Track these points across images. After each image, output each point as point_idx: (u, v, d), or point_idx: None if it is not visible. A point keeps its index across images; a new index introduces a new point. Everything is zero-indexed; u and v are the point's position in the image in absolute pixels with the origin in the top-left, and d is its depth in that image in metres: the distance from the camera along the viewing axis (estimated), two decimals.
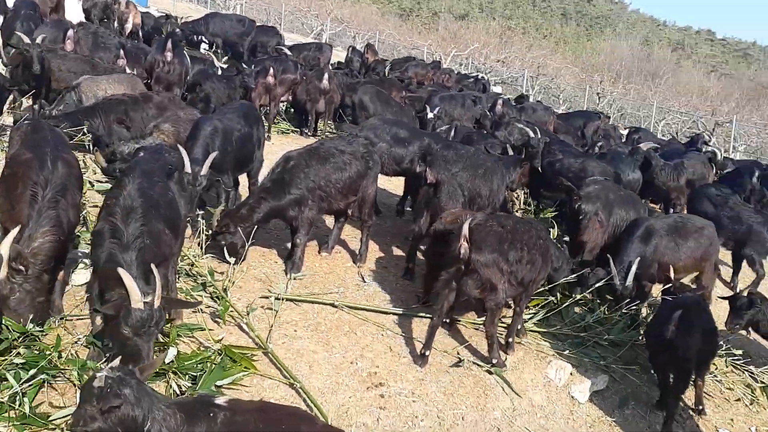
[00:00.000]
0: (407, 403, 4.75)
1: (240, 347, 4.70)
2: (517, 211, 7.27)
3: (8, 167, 4.64)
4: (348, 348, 5.18)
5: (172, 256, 4.60)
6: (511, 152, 8.46)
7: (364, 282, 6.32)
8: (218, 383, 4.20)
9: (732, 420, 5.78)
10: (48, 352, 4.00)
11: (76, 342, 4.32)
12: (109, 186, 6.36)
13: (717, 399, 5.97)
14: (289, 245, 6.31)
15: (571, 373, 5.60)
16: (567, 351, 5.83)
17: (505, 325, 5.78)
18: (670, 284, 6.13)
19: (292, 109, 12.02)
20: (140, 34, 14.50)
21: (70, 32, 10.21)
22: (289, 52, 14.19)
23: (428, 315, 5.63)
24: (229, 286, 5.46)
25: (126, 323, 3.63)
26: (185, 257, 5.66)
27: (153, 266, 3.81)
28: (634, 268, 6.29)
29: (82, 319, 4.64)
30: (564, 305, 6.19)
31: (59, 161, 4.50)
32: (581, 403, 5.44)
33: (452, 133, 9.30)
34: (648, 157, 10.08)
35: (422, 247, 6.61)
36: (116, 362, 2.95)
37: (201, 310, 5.07)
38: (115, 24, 13.78)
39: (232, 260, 5.63)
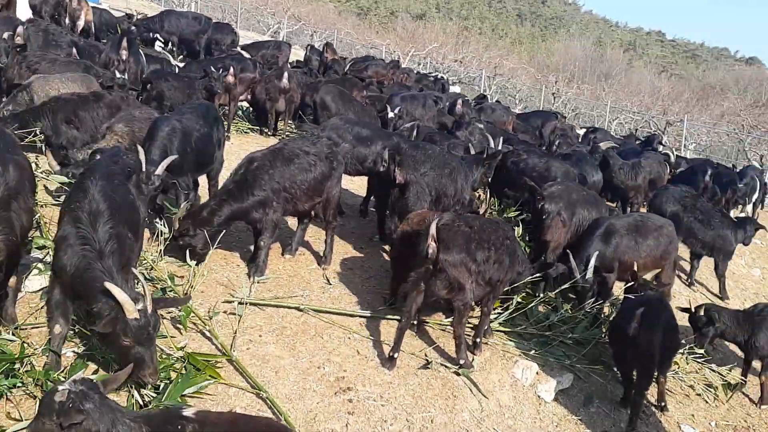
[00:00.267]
0: (376, 407, 4.69)
1: (204, 354, 4.57)
2: (486, 212, 7.26)
3: None
4: (314, 352, 5.08)
5: (132, 261, 4.44)
6: (473, 152, 8.51)
7: (330, 284, 6.22)
8: (183, 393, 4.07)
9: (693, 416, 5.90)
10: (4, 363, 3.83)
11: (33, 353, 4.13)
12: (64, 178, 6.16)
13: (679, 395, 6.08)
14: (251, 248, 6.18)
15: (537, 373, 5.62)
16: (533, 351, 5.85)
17: (472, 326, 5.77)
18: (633, 282, 6.21)
19: (251, 109, 11.83)
20: (92, 31, 14.08)
21: (20, 29, 9.82)
22: (246, 54, 13.95)
23: (395, 317, 5.58)
24: (190, 291, 5.31)
25: (126, 335, 3.66)
26: (144, 261, 5.49)
27: (134, 269, 3.84)
28: (593, 261, 6.35)
29: (37, 327, 4.45)
30: (529, 305, 6.21)
31: (10, 164, 4.30)
32: (547, 402, 5.47)
33: (414, 132, 9.28)
34: (607, 156, 10.28)
35: (387, 248, 6.56)
36: (79, 375, 2.82)
37: (162, 315, 4.91)
38: (67, 21, 13.33)
39: (193, 264, 5.48)
